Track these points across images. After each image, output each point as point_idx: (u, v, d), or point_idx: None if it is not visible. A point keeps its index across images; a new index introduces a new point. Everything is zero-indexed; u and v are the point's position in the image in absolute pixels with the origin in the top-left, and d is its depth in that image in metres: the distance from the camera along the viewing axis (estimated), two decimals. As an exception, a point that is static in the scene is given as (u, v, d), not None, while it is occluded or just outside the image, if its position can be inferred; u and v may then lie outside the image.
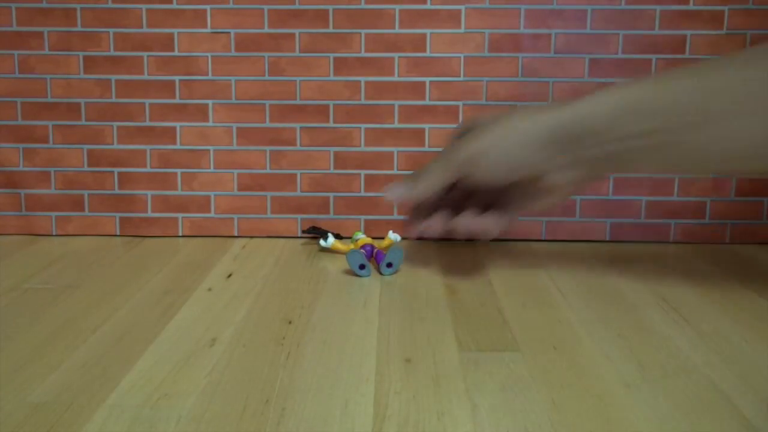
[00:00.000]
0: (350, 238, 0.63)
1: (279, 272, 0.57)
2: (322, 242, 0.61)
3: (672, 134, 0.45)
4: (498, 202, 0.53)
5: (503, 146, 0.49)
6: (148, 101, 0.66)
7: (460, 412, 0.35)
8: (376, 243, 0.60)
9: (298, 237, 0.68)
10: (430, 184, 0.51)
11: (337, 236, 0.64)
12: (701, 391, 0.37)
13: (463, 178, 0.51)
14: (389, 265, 0.56)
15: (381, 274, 0.56)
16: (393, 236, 0.61)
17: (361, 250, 0.57)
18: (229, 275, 0.56)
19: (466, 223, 0.52)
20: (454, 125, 0.66)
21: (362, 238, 0.61)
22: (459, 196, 0.54)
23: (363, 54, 0.65)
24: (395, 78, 0.66)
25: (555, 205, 0.53)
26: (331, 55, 0.65)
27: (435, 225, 0.53)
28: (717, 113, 0.44)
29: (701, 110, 0.45)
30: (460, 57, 0.65)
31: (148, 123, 0.67)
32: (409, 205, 0.55)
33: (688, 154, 0.46)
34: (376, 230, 0.67)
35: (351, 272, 0.56)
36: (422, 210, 0.55)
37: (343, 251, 0.60)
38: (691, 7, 0.64)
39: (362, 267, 0.55)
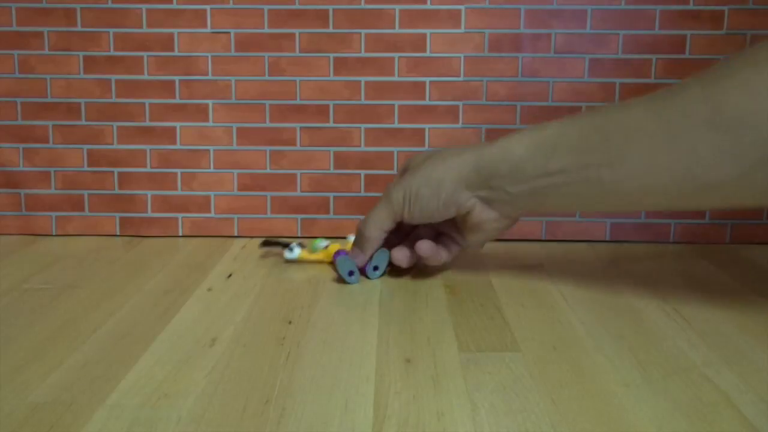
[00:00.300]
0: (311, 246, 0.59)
1: (279, 272, 0.57)
2: (287, 254, 0.58)
3: (579, 173, 0.47)
4: (441, 235, 0.56)
5: (432, 185, 0.51)
6: (148, 101, 0.66)
7: (460, 412, 0.35)
8: (341, 244, 0.58)
9: (297, 237, 0.68)
10: (374, 241, 0.54)
11: (299, 245, 0.59)
12: (701, 391, 0.37)
13: (402, 217, 0.53)
14: (375, 268, 0.55)
15: (368, 278, 0.55)
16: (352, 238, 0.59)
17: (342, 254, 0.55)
18: (229, 275, 0.56)
19: (403, 254, 0.55)
20: (455, 125, 0.66)
21: (324, 247, 0.58)
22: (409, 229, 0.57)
23: (363, 54, 0.65)
24: (395, 78, 0.66)
25: (486, 241, 0.55)
26: (331, 55, 0.65)
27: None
28: (616, 153, 0.45)
29: (602, 150, 0.46)
30: (460, 57, 0.65)
31: (148, 123, 0.67)
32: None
33: (598, 192, 0.47)
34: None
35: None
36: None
37: (314, 260, 0.58)
38: (691, 7, 0.64)
39: (351, 273, 0.54)
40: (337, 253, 0.56)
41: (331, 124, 0.66)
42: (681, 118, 0.43)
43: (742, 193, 0.43)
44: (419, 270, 0.57)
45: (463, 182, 0.50)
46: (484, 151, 0.50)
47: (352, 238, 0.58)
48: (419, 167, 0.52)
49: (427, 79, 0.66)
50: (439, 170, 0.51)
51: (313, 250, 0.59)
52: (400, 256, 0.54)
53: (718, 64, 0.44)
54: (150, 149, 0.67)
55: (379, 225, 0.54)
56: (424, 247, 0.53)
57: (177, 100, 0.66)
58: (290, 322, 0.47)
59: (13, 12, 0.65)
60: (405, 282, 0.55)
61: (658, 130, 0.44)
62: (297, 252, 0.58)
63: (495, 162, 0.49)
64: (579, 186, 0.47)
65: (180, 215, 0.68)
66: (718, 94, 0.42)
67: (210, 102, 0.66)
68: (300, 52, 0.65)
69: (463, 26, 0.65)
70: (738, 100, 0.41)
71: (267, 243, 0.60)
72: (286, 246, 0.59)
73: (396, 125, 0.66)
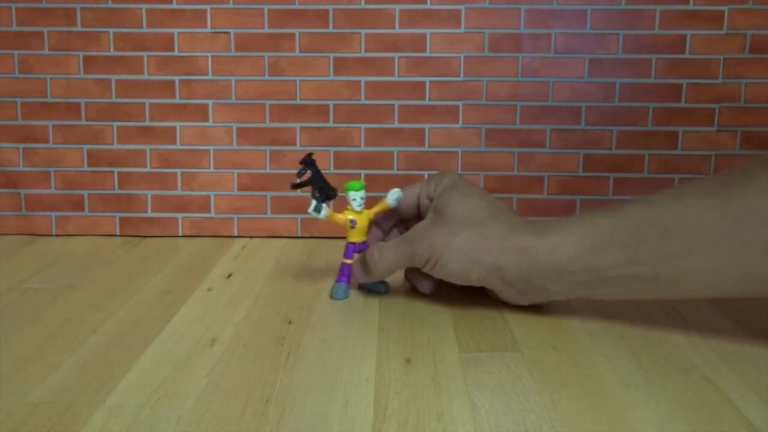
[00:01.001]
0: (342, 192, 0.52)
1: (279, 272, 0.57)
2: (312, 211, 0.50)
3: (633, 269, 0.43)
4: None
5: (465, 263, 0.47)
6: (148, 101, 0.66)
7: (460, 412, 0.35)
8: (374, 209, 0.52)
9: (297, 237, 0.68)
10: (381, 277, 0.51)
11: (330, 195, 0.52)
12: (701, 391, 0.37)
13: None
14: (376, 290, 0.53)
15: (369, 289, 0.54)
16: (392, 198, 0.51)
17: (345, 282, 0.52)
18: (229, 275, 0.56)
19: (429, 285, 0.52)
20: (455, 125, 0.66)
21: (357, 208, 0.51)
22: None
23: (363, 54, 0.65)
24: (395, 78, 0.66)
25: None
26: (331, 55, 0.65)
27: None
28: (676, 249, 0.42)
29: (659, 246, 0.42)
30: (460, 57, 0.65)
31: (148, 123, 0.67)
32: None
33: (652, 287, 0.43)
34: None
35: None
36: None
37: (343, 222, 0.52)
38: (691, 7, 0.64)
39: (339, 297, 0.52)
40: (350, 249, 0.52)
41: (331, 124, 0.66)
42: (749, 212, 0.39)
43: None
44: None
45: (499, 273, 0.46)
46: (529, 247, 0.46)
47: (392, 194, 0.51)
48: (454, 227, 0.47)
49: (427, 79, 0.66)
50: (476, 250, 0.46)
51: (348, 191, 0.51)
52: (427, 288, 0.52)
53: None
54: (150, 149, 0.67)
55: (392, 268, 0.50)
56: (428, 287, 0.52)
57: (177, 100, 0.66)
58: (290, 322, 0.46)
59: (13, 12, 0.65)
60: (405, 282, 0.55)
61: (724, 224, 0.40)
62: (324, 214, 0.50)
63: (540, 263, 0.45)
64: (630, 280, 0.44)
65: (180, 215, 0.68)
66: None
67: (210, 102, 0.66)
68: (300, 52, 0.65)
69: (463, 26, 0.65)
70: None
71: (298, 185, 0.51)
72: (323, 192, 0.51)
73: (396, 125, 0.66)
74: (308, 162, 0.51)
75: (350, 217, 0.52)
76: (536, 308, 0.49)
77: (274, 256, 0.62)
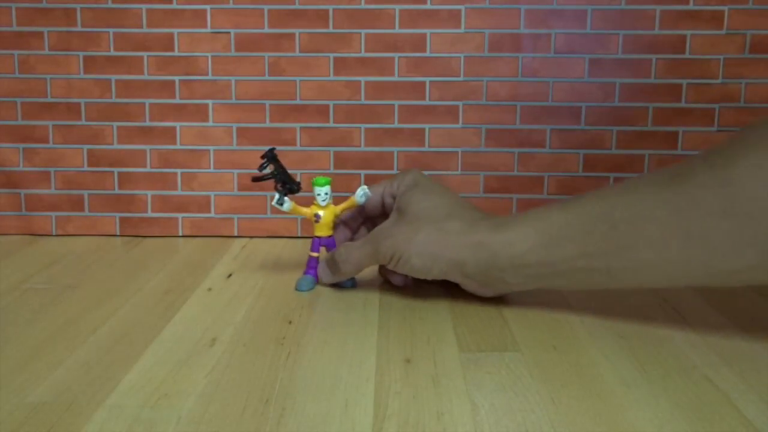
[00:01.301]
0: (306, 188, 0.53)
1: (279, 272, 0.57)
2: (276, 203, 0.52)
3: (585, 261, 0.44)
4: None
5: (425, 259, 0.48)
6: (148, 101, 0.66)
7: (460, 412, 0.35)
8: (341, 206, 0.54)
9: (297, 237, 0.68)
10: (348, 275, 0.53)
11: (293, 189, 0.53)
12: (701, 391, 0.37)
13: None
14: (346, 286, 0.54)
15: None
16: (360, 195, 0.52)
17: (312, 275, 0.54)
18: (229, 275, 0.56)
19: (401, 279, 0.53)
20: (455, 125, 0.66)
21: (322, 203, 0.53)
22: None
23: (363, 54, 0.65)
24: (395, 78, 0.66)
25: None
26: (331, 55, 0.65)
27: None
28: (625, 242, 0.43)
29: (609, 240, 0.43)
30: (460, 57, 0.65)
31: (148, 123, 0.67)
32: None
33: (604, 278, 0.45)
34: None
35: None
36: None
37: (308, 216, 0.53)
38: (691, 7, 0.64)
39: (304, 289, 0.53)
40: (316, 242, 0.53)
41: (331, 124, 0.66)
42: (692, 207, 0.41)
43: (763, 277, 0.41)
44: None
45: (459, 268, 0.48)
46: (486, 242, 0.47)
47: (360, 192, 0.52)
48: (416, 224, 0.49)
49: (427, 79, 0.66)
50: (436, 246, 0.48)
51: (316, 187, 0.53)
52: (399, 282, 0.53)
53: (727, 142, 0.41)
54: (150, 149, 0.67)
55: (359, 267, 0.52)
56: (400, 281, 0.53)
57: (177, 100, 0.66)
58: (290, 322, 0.47)
59: (13, 12, 0.65)
60: (378, 277, 0.55)
61: (669, 219, 0.41)
62: (287, 206, 0.52)
63: (497, 257, 0.46)
64: (583, 272, 0.45)
65: (180, 215, 0.68)
66: (730, 181, 0.39)
67: (210, 102, 0.66)
68: (300, 52, 0.65)
69: (463, 26, 0.65)
70: (752, 186, 0.39)
71: (259, 178, 0.53)
72: (285, 186, 0.52)
73: (396, 125, 0.66)
74: (270, 156, 0.52)
75: (315, 211, 0.53)
76: (536, 307, 0.49)
77: (274, 256, 0.62)
